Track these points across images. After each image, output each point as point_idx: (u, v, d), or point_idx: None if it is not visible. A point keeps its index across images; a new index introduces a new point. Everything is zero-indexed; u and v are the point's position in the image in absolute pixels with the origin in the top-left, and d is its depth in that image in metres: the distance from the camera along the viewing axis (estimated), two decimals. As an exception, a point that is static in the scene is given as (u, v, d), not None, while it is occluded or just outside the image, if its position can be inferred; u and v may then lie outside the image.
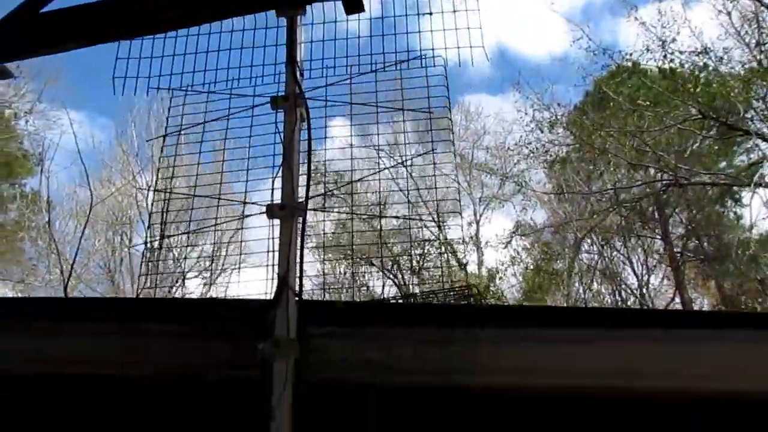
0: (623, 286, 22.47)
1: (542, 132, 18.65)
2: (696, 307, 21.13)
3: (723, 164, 19.27)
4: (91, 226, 21.42)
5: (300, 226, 2.32)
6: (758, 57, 15.93)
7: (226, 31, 2.84)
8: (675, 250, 21.51)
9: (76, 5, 2.93)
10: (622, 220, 20.12)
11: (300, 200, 2.32)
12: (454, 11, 2.76)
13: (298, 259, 2.26)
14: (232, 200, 2.44)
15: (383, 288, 20.05)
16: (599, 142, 16.93)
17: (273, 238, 2.37)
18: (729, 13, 16.91)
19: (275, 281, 2.29)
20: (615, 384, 2.29)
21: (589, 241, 22.27)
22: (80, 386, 2.58)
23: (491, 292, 17.81)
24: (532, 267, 20.95)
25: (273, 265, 2.33)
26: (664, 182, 17.29)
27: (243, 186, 2.48)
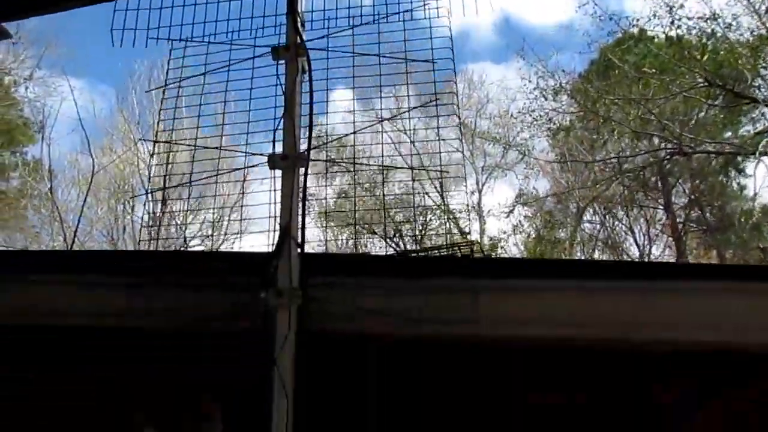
0: (625, 257, 22.54)
1: (546, 100, 18.46)
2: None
3: (728, 134, 19.10)
4: (93, 195, 21.46)
5: (302, 177, 2.31)
6: (767, 24, 15.65)
7: (226, -18, 2.78)
8: (677, 220, 21.50)
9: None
10: (625, 189, 20.06)
11: (302, 151, 2.31)
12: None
13: (300, 210, 2.26)
14: (233, 150, 2.42)
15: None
16: (603, 110, 16.76)
17: (275, 190, 2.37)
18: (739, -21, 16.55)
19: (278, 234, 2.29)
20: (613, 336, 2.30)
21: (591, 210, 22.26)
22: (85, 338, 2.61)
23: (493, 261, 17.80)
24: (534, 236, 20.98)
25: (275, 217, 2.33)
26: (668, 151, 17.18)
27: (244, 138, 2.46)
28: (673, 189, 21.86)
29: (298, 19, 2.50)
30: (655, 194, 21.98)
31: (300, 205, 2.28)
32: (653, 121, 16.54)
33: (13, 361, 2.71)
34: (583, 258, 21.15)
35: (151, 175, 2.78)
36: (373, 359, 2.49)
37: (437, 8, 2.61)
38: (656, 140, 18.06)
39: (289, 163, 2.27)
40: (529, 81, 18.52)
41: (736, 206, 19.71)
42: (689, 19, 15.73)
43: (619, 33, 17.30)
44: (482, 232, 21.52)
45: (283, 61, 2.46)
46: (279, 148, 2.38)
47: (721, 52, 15.36)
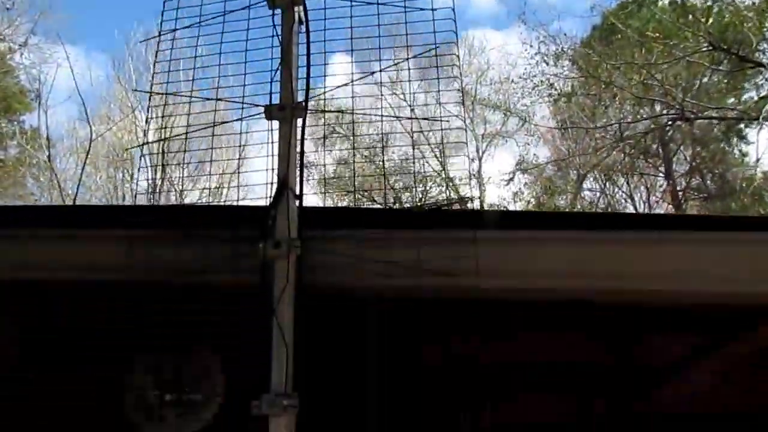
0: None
1: (547, 65, 18.25)
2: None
3: (731, 100, 18.92)
4: (92, 163, 21.37)
5: (300, 128, 2.28)
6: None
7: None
8: (677, 187, 21.46)
9: None
10: (626, 156, 19.95)
11: (299, 101, 2.27)
12: None
13: (298, 161, 2.24)
14: (230, 100, 2.39)
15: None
16: (605, 76, 16.57)
17: (272, 143, 2.34)
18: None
19: (275, 186, 2.27)
20: (609, 287, 2.28)
21: (591, 177, 22.20)
22: (85, 292, 2.62)
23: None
24: (534, 203, 20.97)
25: (273, 169, 2.30)
26: (670, 116, 17.04)
27: (240, 90, 2.42)
28: (674, 156, 21.76)
29: (295, -33, 2.43)
30: (656, 161, 21.89)
31: (298, 156, 2.26)
32: (656, 86, 16.36)
33: (14, 316, 2.73)
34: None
35: (148, 129, 2.74)
36: (373, 312, 2.50)
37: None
38: (658, 107, 17.90)
39: (286, 113, 2.23)
40: (531, 46, 18.29)
41: (737, 173, 19.63)
42: (694, -19, 15.45)
43: (624, -5, 17.02)
44: (482, 199, 21.50)
45: (279, 11, 2.41)
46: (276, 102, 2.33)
47: (726, 16, 15.11)
